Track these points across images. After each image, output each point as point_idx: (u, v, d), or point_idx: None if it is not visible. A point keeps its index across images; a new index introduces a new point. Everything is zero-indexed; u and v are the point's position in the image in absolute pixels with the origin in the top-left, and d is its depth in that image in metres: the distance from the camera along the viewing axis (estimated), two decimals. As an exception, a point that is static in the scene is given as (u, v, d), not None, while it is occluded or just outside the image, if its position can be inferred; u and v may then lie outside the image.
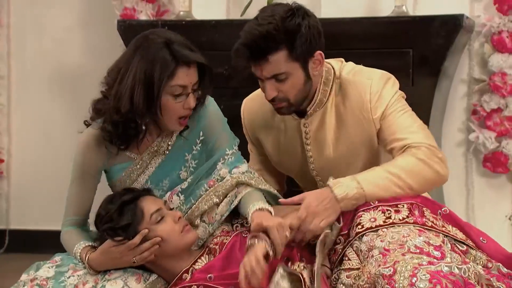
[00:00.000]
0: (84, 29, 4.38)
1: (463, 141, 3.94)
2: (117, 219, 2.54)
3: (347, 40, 3.55)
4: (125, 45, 3.80)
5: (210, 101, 2.79)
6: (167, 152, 2.74)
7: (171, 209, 2.63)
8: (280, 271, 2.43)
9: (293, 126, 2.81)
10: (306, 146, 2.79)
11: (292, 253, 2.51)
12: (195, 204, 2.67)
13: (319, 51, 2.64)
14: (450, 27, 3.47)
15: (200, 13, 3.89)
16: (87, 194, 2.71)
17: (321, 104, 2.75)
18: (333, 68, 2.76)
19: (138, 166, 2.73)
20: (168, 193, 2.71)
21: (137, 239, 2.52)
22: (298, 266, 2.47)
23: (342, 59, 2.83)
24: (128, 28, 3.75)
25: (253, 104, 2.89)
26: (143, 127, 2.64)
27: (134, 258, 2.53)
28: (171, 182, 2.74)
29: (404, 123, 2.68)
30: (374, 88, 2.69)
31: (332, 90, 2.75)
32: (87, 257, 2.57)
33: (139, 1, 4.05)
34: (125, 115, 2.59)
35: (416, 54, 3.50)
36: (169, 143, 2.74)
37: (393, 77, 2.75)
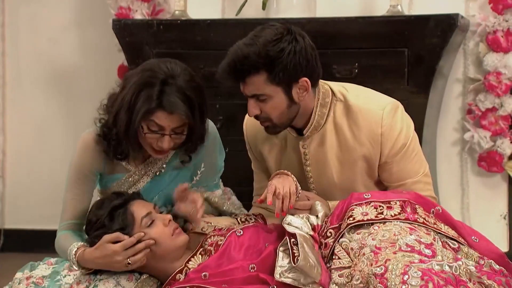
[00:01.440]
0: (79, 28, 4.37)
1: (458, 140, 3.94)
2: (109, 224, 2.54)
3: (343, 40, 3.56)
4: (120, 44, 3.79)
5: (211, 128, 2.78)
6: (163, 170, 2.75)
7: (160, 213, 2.63)
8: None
9: (293, 144, 2.81)
10: (306, 167, 2.79)
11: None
12: None
13: (304, 78, 2.62)
14: (445, 27, 3.47)
15: (195, 12, 3.89)
16: (84, 197, 2.71)
17: (319, 126, 2.74)
18: (331, 90, 2.75)
19: (130, 179, 2.74)
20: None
21: (133, 238, 2.51)
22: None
23: (339, 83, 2.82)
24: (123, 27, 3.74)
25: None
26: (126, 145, 2.64)
27: (129, 259, 2.52)
28: (163, 199, 2.75)
29: (413, 170, 2.74)
30: (386, 121, 2.70)
31: (330, 112, 2.74)
32: (81, 253, 2.54)
33: (134, 0, 4.04)
34: (110, 130, 2.62)
35: (411, 53, 3.50)
36: (164, 164, 2.75)
37: (401, 106, 2.77)
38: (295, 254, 2.41)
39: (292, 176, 2.65)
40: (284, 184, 2.55)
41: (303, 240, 2.45)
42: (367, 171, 2.76)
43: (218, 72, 2.64)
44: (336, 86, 2.78)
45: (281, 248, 2.47)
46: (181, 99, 2.54)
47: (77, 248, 2.57)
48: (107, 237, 2.51)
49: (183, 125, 2.59)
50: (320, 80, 2.75)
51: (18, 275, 2.59)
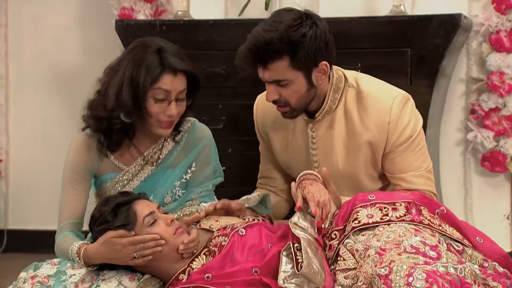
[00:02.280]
0: (82, 28, 4.37)
1: (461, 141, 3.94)
2: (111, 220, 2.54)
3: (345, 40, 3.55)
4: (123, 44, 3.79)
5: (207, 134, 2.83)
6: (159, 162, 2.75)
7: (165, 213, 2.63)
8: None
9: (302, 127, 2.81)
10: (312, 150, 2.79)
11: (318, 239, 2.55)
12: None
13: (324, 62, 2.64)
14: (448, 27, 3.47)
15: (198, 13, 3.89)
16: (79, 197, 2.72)
17: (330, 110, 2.76)
18: (344, 76, 2.76)
19: (124, 177, 2.75)
20: None
21: (146, 237, 2.52)
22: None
23: (352, 71, 2.84)
24: (126, 28, 3.74)
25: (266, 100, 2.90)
26: (128, 130, 2.69)
27: (135, 254, 2.52)
28: (159, 198, 2.76)
29: (415, 163, 2.75)
30: (395, 110, 2.71)
31: (342, 97, 2.75)
32: (84, 248, 2.55)
33: (137, 0, 4.04)
34: (110, 112, 2.64)
35: (414, 53, 3.50)
36: (161, 156, 2.76)
37: (411, 99, 2.79)
38: (299, 261, 2.40)
39: (320, 177, 2.64)
40: (320, 192, 2.55)
41: (307, 245, 2.44)
42: (371, 159, 2.77)
43: (238, 57, 2.64)
44: (350, 73, 2.81)
45: (284, 253, 2.46)
46: (181, 59, 2.64)
47: (78, 248, 2.57)
48: (111, 233, 2.52)
49: (184, 90, 2.66)
50: (334, 66, 2.77)
51: (23, 274, 2.59)
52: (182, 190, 2.82)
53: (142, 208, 2.57)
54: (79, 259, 2.56)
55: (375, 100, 2.73)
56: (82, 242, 2.61)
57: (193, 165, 2.82)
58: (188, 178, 2.81)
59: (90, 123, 2.71)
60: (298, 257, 2.41)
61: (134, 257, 2.53)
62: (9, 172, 4.50)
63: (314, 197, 2.52)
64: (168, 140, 2.80)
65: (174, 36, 3.69)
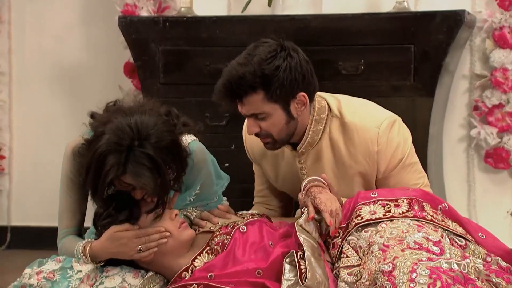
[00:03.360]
0: (85, 25, 4.37)
1: (464, 137, 3.93)
2: (116, 215, 2.54)
3: (348, 36, 3.55)
4: (126, 41, 3.79)
5: (202, 156, 2.71)
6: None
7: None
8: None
9: (290, 159, 2.80)
10: (303, 181, 2.78)
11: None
12: None
13: (302, 93, 2.61)
14: (451, 23, 3.46)
15: (201, 9, 3.88)
16: (77, 204, 2.70)
17: (314, 142, 2.73)
18: (328, 105, 2.73)
19: None
20: None
21: (151, 230, 2.52)
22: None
23: (337, 95, 2.79)
24: (129, 24, 3.74)
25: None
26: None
27: (140, 246, 2.53)
28: None
29: (410, 182, 2.73)
30: (382, 139, 2.68)
31: (326, 128, 2.72)
32: (89, 246, 2.55)
33: (140, -3, 4.04)
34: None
35: (418, 49, 3.49)
36: None
37: (398, 120, 2.74)
38: (302, 270, 2.39)
39: (325, 183, 2.61)
40: (331, 200, 2.53)
41: (311, 254, 2.42)
42: (364, 185, 2.76)
43: (214, 93, 2.61)
44: (333, 100, 2.75)
45: (287, 260, 2.45)
46: (146, 167, 2.44)
47: (83, 246, 2.57)
48: (116, 227, 2.52)
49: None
50: (318, 94, 2.73)
51: (28, 270, 2.60)
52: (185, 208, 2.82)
53: (146, 202, 2.56)
54: (85, 257, 2.56)
55: (361, 131, 2.69)
56: (86, 240, 2.61)
57: (198, 188, 2.77)
58: (192, 200, 2.80)
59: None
60: (301, 267, 2.40)
61: (140, 250, 2.53)
62: (12, 169, 4.51)
63: (326, 206, 2.51)
64: None
65: (177, 32, 3.69)
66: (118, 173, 2.44)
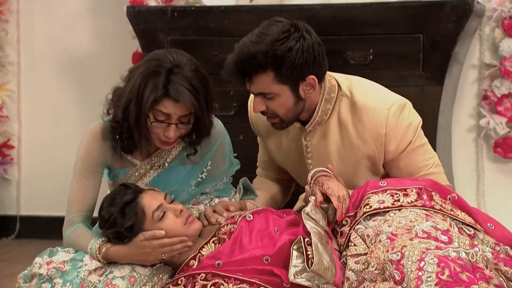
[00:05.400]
0: (93, 15, 4.37)
1: (473, 127, 3.93)
2: (121, 222, 2.54)
3: (357, 26, 3.54)
4: (134, 31, 3.79)
5: (220, 129, 2.79)
6: (166, 165, 2.75)
7: (172, 201, 2.62)
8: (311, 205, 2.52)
9: (296, 136, 2.79)
10: (307, 159, 2.78)
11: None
12: None
13: (311, 76, 2.59)
14: (460, 12, 3.45)
15: (209, -1, 3.89)
16: (90, 189, 2.70)
17: (322, 121, 2.72)
18: (338, 85, 2.72)
19: (136, 173, 2.74)
20: None
21: (175, 240, 2.53)
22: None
23: (348, 76, 2.79)
24: (138, 14, 3.74)
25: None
26: (138, 137, 2.63)
27: (163, 255, 2.54)
28: (172, 195, 2.75)
29: (421, 163, 2.72)
30: (391, 121, 2.67)
31: (335, 107, 2.72)
32: (105, 249, 2.55)
33: (149, -14, 4.04)
34: (120, 124, 2.62)
35: (427, 39, 3.48)
36: (168, 159, 2.75)
37: (408, 103, 2.73)
38: (309, 256, 2.40)
39: (332, 173, 2.62)
40: (339, 187, 2.54)
41: (318, 240, 2.42)
42: (370, 168, 2.75)
43: (224, 69, 2.61)
44: (344, 80, 2.74)
45: (295, 247, 2.45)
46: (187, 88, 2.53)
47: (99, 246, 2.56)
48: (141, 236, 2.53)
49: (189, 114, 2.58)
50: (328, 73, 2.72)
51: (38, 260, 2.60)
52: (198, 188, 2.82)
53: (149, 202, 2.56)
54: (100, 259, 2.56)
55: (370, 112, 2.67)
56: (101, 240, 2.59)
57: (208, 163, 2.80)
58: (204, 177, 2.81)
59: (113, 112, 2.67)
60: (308, 252, 2.41)
61: (163, 258, 2.56)
62: (21, 159, 4.52)
63: (334, 191, 2.51)
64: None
65: (185, 22, 3.69)
66: (159, 94, 2.52)
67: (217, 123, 2.78)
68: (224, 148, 2.83)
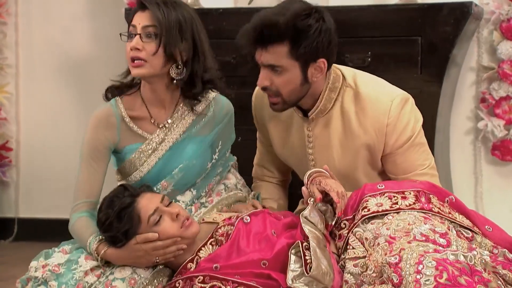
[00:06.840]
0: (92, 17, 4.38)
1: (471, 129, 3.93)
2: (117, 226, 2.54)
3: (355, 28, 3.54)
4: (132, 33, 3.79)
5: (231, 107, 2.87)
6: (180, 137, 2.76)
7: (169, 203, 2.62)
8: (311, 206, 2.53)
9: (298, 125, 2.80)
10: (308, 149, 2.78)
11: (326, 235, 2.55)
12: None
13: (322, 59, 2.62)
14: (458, 15, 3.45)
15: (208, 1, 3.88)
16: (97, 174, 2.71)
17: (325, 110, 2.73)
18: (342, 75, 2.74)
19: (148, 147, 2.74)
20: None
21: (169, 242, 2.54)
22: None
23: (352, 69, 2.81)
24: (136, 17, 3.73)
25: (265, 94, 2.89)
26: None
27: (157, 258, 2.55)
28: (184, 173, 2.76)
29: (417, 162, 2.73)
30: (394, 112, 2.68)
31: (339, 97, 2.73)
32: (103, 251, 2.56)
33: (147, -11, 4.04)
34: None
35: (425, 41, 3.49)
36: (179, 130, 2.76)
37: (411, 99, 2.75)
38: (307, 261, 2.40)
39: (328, 174, 2.63)
40: (337, 185, 2.55)
41: (316, 245, 2.42)
42: (369, 160, 2.75)
43: (240, 34, 2.63)
44: (349, 71, 2.77)
45: (293, 251, 2.45)
46: (157, 2, 2.66)
47: (97, 245, 2.57)
48: (137, 238, 2.53)
49: (150, 26, 2.67)
50: (334, 65, 2.74)
51: (33, 263, 2.60)
52: (211, 168, 2.86)
53: (146, 206, 2.56)
54: (98, 258, 2.57)
55: (374, 102, 2.69)
56: (99, 238, 2.59)
57: (220, 143, 2.84)
58: (217, 157, 2.83)
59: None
60: (307, 257, 2.41)
61: (157, 261, 2.56)
62: (20, 161, 4.52)
63: (332, 187, 2.51)
64: (182, 106, 2.79)
65: (183, 24, 3.68)
66: (136, 8, 2.69)
67: (225, 101, 2.86)
68: (232, 122, 2.90)
